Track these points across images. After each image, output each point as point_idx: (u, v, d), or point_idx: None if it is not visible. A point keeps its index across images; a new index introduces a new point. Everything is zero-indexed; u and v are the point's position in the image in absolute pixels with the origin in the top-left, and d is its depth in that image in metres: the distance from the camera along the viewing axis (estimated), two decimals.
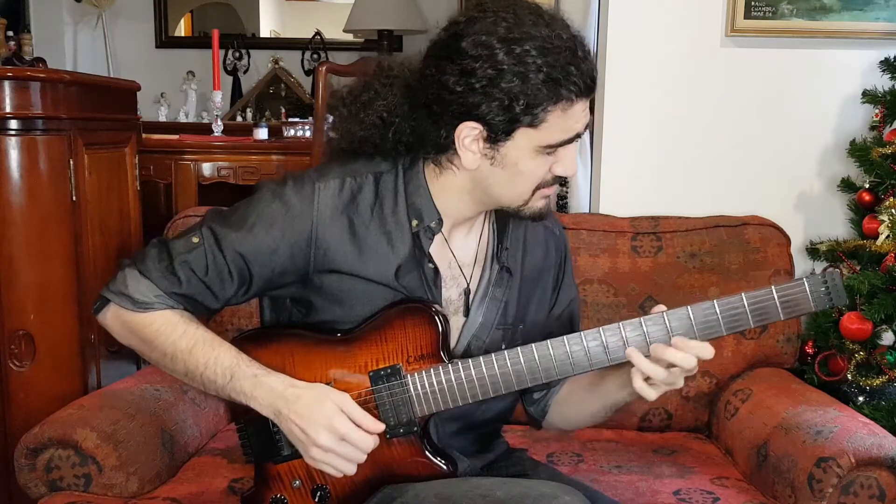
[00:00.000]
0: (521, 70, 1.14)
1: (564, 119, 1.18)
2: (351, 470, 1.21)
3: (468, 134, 1.20)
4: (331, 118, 1.34)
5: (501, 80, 1.15)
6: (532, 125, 1.17)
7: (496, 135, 1.19)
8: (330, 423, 1.18)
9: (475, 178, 1.25)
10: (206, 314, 1.32)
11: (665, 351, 1.17)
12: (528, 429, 1.94)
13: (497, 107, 1.16)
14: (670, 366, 1.18)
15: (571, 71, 1.15)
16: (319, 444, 1.18)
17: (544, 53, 1.14)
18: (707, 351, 1.17)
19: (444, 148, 1.24)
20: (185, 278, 1.25)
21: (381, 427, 1.22)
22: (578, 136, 1.22)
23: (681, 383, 1.21)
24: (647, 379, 1.20)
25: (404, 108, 1.26)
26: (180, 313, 1.27)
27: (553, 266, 1.44)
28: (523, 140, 1.19)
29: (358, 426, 1.20)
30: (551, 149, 1.20)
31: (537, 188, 1.25)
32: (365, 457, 1.21)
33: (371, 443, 1.20)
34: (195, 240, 1.26)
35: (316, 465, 1.21)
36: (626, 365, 1.24)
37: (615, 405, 1.34)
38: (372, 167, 1.30)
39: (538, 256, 1.41)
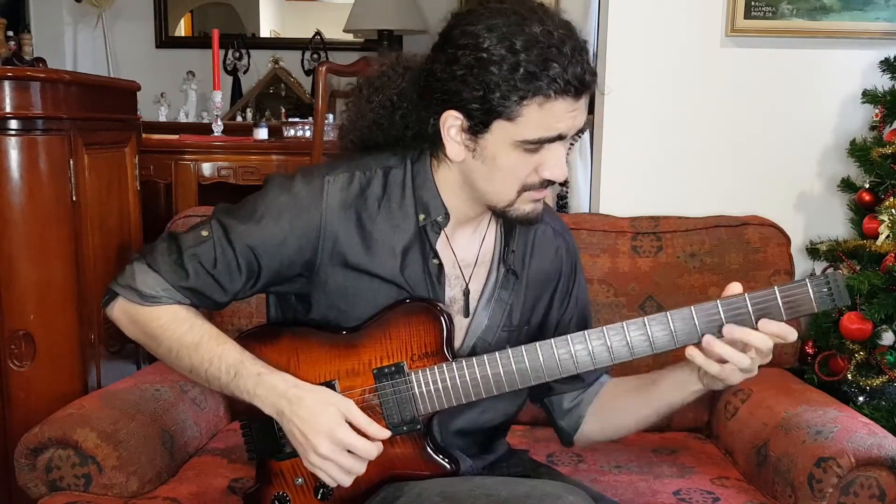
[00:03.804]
0: (499, 60, 1.13)
1: (542, 115, 1.16)
2: (346, 482, 1.19)
3: (452, 124, 1.20)
4: (346, 104, 1.35)
5: (480, 70, 1.14)
6: (509, 118, 1.16)
7: (475, 125, 1.18)
8: (332, 433, 1.17)
9: (462, 171, 1.25)
10: (213, 308, 1.32)
11: (746, 333, 1.18)
12: (529, 429, 1.95)
13: (474, 96, 1.16)
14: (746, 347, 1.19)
15: (552, 66, 1.13)
16: (319, 451, 1.17)
17: (528, 47, 1.13)
18: (790, 334, 1.19)
19: (434, 138, 1.24)
20: (193, 271, 1.25)
21: (386, 434, 1.21)
22: (561, 136, 1.19)
23: (754, 370, 1.22)
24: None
25: (413, 95, 1.27)
26: (187, 308, 1.27)
27: (563, 273, 1.42)
28: (500, 133, 1.18)
29: (362, 433, 1.19)
30: (530, 145, 1.18)
31: (523, 190, 1.23)
32: (365, 468, 1.20)
33: (374, 452, 1.19)
34: (204, 233, 1.27)
35: (313, 469, 1.21)
36: (683, 366, 1.25)
37: (671, 407, 1.33)
38: (381, 162, 1.30)
39: (546, 260, 1.40)
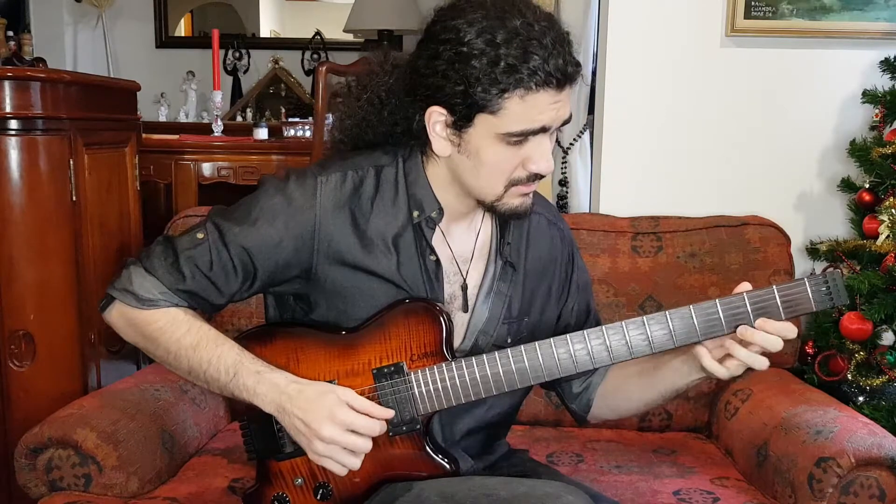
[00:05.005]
0: (480, 54, 1.14)
1: (525, 108, 1.16)
2: (355, 464, 1.20)
3: (437, 119, 1.21)
4: (337, 104, 1.36)
5: (462, 64, 1.15)
6: (491, 111, 1.17)
7: (458, 120, 1.19)
8: (333, 415, 1.18)
9: (449, 167, 1.26)
10: (210, 310, 1.32)
11: (754, 334, 1.18)
12: (529, 429, 1.95)
13: (456, 91, 1.16)
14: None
15: (533, 59, 1.14)
16: (322, 435, 1.18)
17: (508, 40, 1.14)
18: (791, 331, 1.20)
19: (421, 134, 1.24)
20: (189, 274, 1.25)
21: (388, 413, 1.22)
22: (545, 129, 1.19)
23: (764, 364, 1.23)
24: (721, 360, 1.22)
25: (400, 92, 1.27)
26: (184, 311, 1.27)
27: (560, 260, 1.43)
28: (483, 126, 1.18)
29: (363, 415, 1.19)
30: (514, 138, 1.18)
31: (510, 184, 1.23)
32: (370, 446, 1.20)
33: (377, 428, 1.20)
34: (199, 235, 1.27)
35: (320, 461, 1.21)
36: (687, 352, 1.25)
37: (676, 391, 1.34)
38: (373, 160, 1.30)
39: (542, 250, 1.41)
